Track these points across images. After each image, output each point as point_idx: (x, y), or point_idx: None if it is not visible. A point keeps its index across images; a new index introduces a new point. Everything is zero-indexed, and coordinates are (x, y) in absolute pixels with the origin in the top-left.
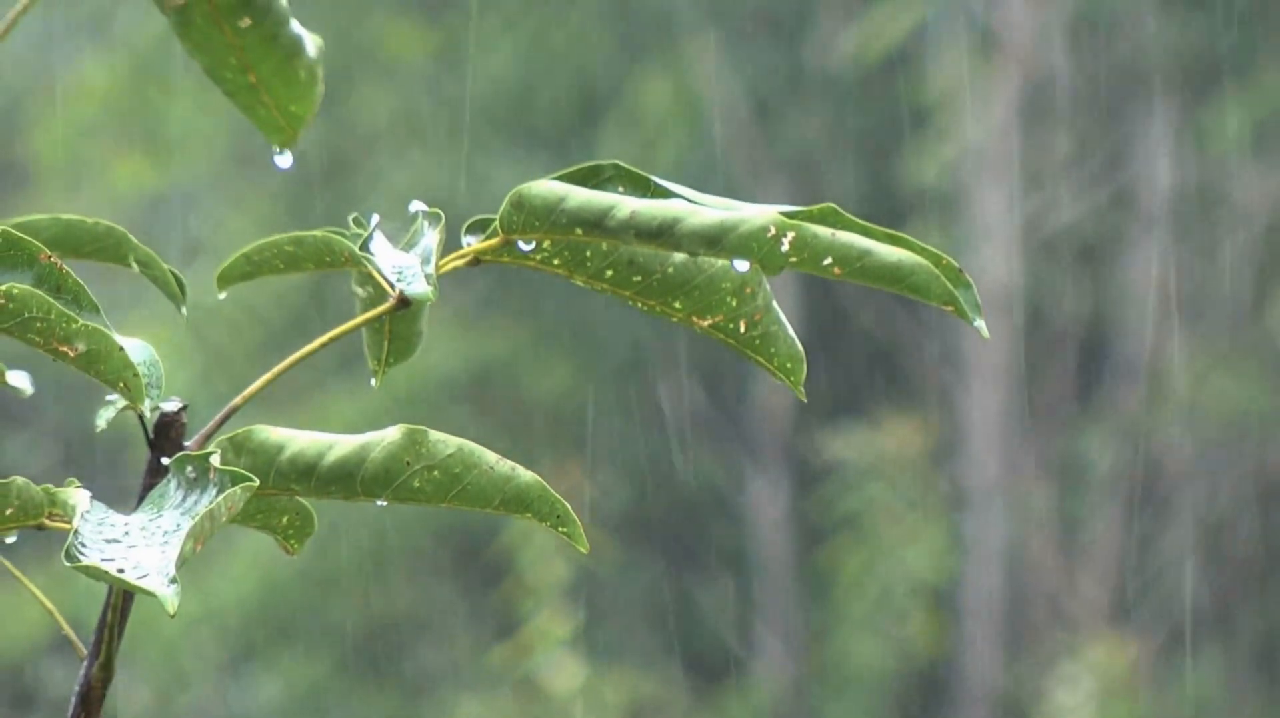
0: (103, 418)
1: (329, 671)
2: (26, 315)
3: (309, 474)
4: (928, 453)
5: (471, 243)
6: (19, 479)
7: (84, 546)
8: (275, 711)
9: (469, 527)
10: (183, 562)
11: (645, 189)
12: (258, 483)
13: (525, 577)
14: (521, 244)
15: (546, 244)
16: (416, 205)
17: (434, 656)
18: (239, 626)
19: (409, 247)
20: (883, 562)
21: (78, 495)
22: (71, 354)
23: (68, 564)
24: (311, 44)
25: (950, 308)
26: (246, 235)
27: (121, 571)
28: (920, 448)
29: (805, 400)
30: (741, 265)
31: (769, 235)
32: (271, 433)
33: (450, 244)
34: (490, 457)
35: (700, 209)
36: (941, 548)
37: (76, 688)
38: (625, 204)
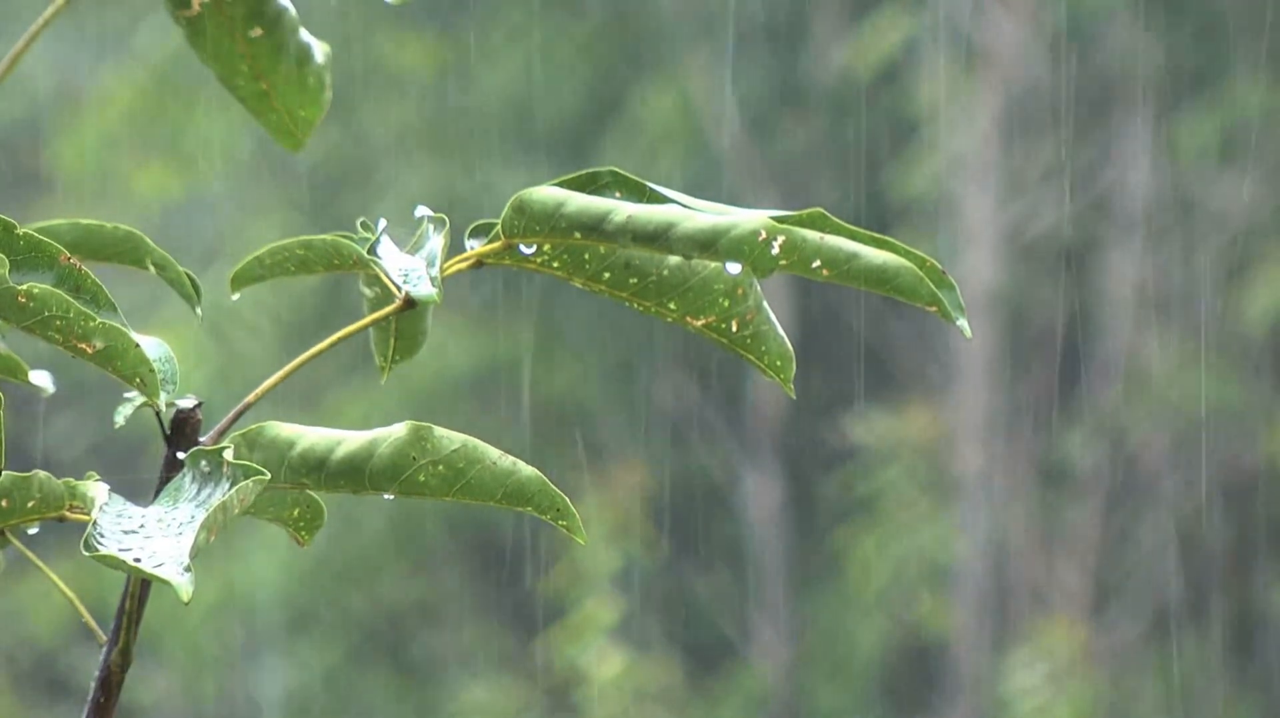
0: (121, 414)
1: (354, 658)
2: (46, 314)
3: (319, 468)
4: (915, 449)
5: (475, 246)
6: (40, 473)
7: (102, 536)
8: (299, 698)
9: (482, 519)
10: (197, 551)
11: (641, 195)
12: (269, 476)
13: (541, 569)
14: (523, 248)
15: (547, 248)
16: (422, 210)
17: (451, 643)
18: (258, 614)
19: (415, 250)
20: (874, 552)
21: (97, 488)
22: (90, 351)
23: (86, 554)
24: (320, 52)
25: (934, 308)
26: (262, 241)
27: (138, 560)
28: (908, 444)
29: (794, 397)
30: (734, 268)
31: (760, 239)
32: (283, 429)
33: (455, 248)
34: (493, 452)
35: (694, 214)
36: (930, 539)
37: (96, 674)
38: (622, 209)
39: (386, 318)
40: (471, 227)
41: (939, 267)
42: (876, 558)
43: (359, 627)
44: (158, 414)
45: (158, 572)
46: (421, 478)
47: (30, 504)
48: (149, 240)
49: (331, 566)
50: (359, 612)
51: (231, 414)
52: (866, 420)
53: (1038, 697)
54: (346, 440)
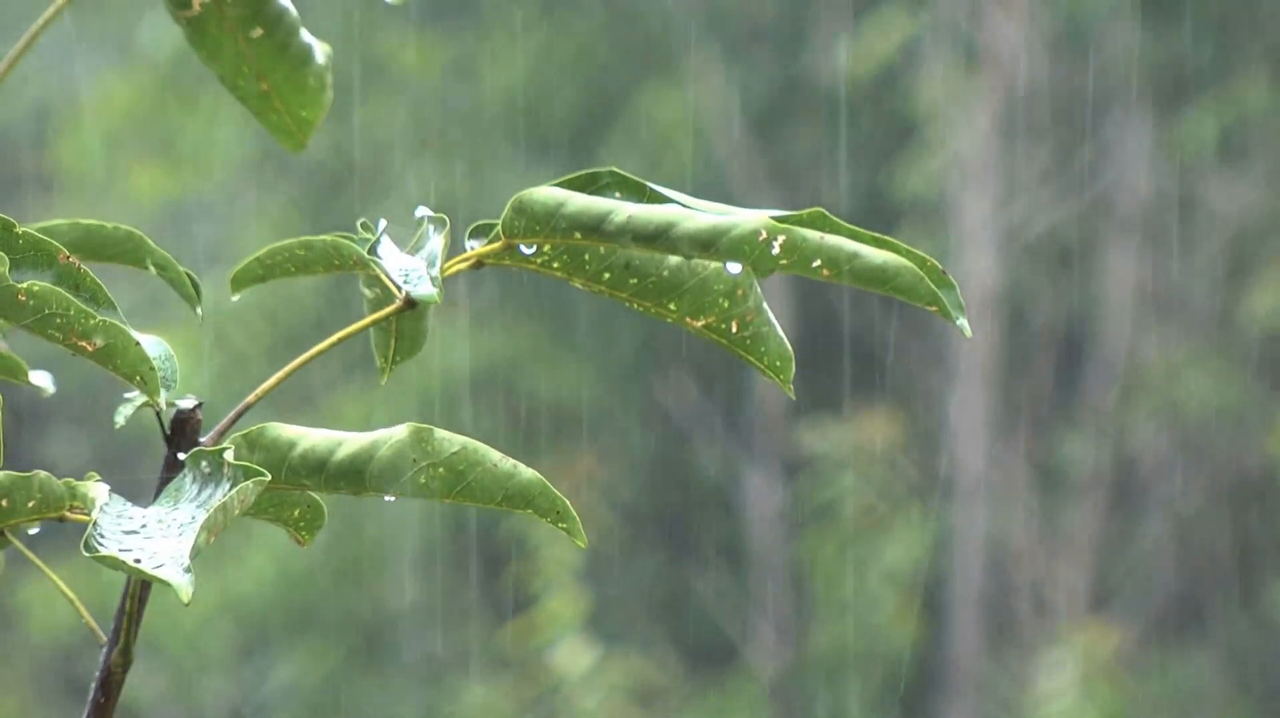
0: (121, 414)
1: (343, 657)
2: (46, 312)
3: (319, 470)
4: (915, 449)
5: (475, 247)
6: (41, 473)
7: (102, 537)
8: (290, 695)
9: (476, 516)
10: (197, 552)
11: (641, 195)
12: (269, 477)
13: (532, 563)
14: (523, 248)
15: (547, 248)
16: (422, 211)
17: (443, 642)
18: (256, 615)
19: (415, 250)
20: (874, 553)
21: (97, 489)
22: (90, 349)
23: (86, 554)
24: (320, 52)
25: (934, 308)
26: (264, 242)
27: (138, 561)
28: (908, 444)
29: (794, 398)
30: (734, 268)
31: (760, 239)
32: (284, 430)
33: (456, 249)
34: (493, 454)
35: (694, 214)
36: (929, 540)
37: (97, 674)
38: (622, 209)
39: (387, 318)
40: (472, 227)
41: (939, 266)
42: (873, 559)
43: (351, 628)
44: (158, 415)
45: (158, 573)
46: (422, 480)
47: (30, 504)
48: (149, 241)
49: (322, 566)
50: (350, 612)
51: (232, 415)
52: (860, 422)
53: (1037, 698)
54: (347, 442)
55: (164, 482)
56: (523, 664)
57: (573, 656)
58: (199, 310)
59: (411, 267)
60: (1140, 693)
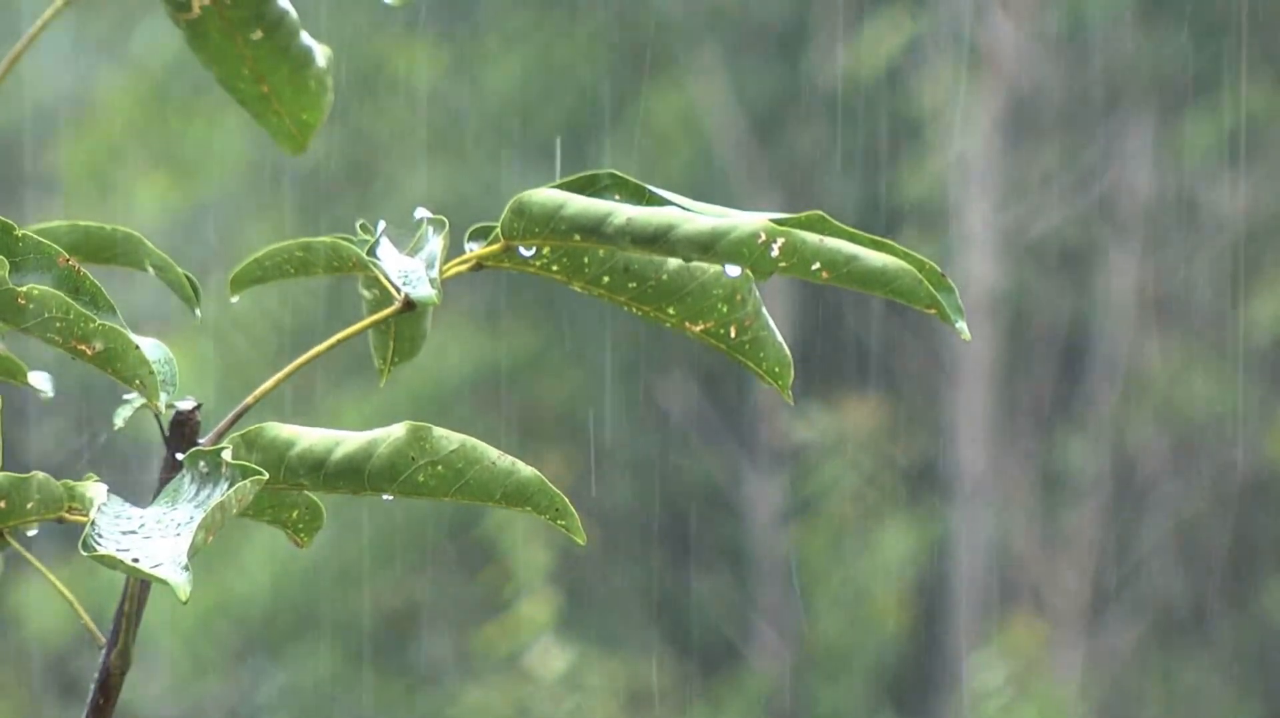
0: (120, 416)
1: (330, 660)
2: (46, 315)
3: (318, 469)
4: (916, 451)
5: (474, 249)
6: (39, 474)
7: (100, 536)
8: (277, 698)
9: (472, 517)
10: (195, 552)
11: (640, 197)
12: (268, 477)
13: (514, 565)
14: (522, 250)
15: (546, 250)
16: (421, 212)
17: (431, 644)
18: (251, 618)
19: (414, 252)
20: (874, 555)
21: (95, 489)
22: (89, 352)
23: (85, 554)
24: (321, 54)
25: (933, 311)
26: (264, 245)
27: (137, 560)
28: (908, 446)
29: (792, 403)
30: (733, 271)
31: (759, 241)
32: (282, 430)
33: (455, 250)
34: (492, 452)
35: (694, 216)
36: (930, 542)
37: (96, 676)
38: (622, 211)
39: (386, 320)
40: (471, 229)
41: (938, 269)
42: (874, 561)
43: (355, 629)
44: (157, 416)
45: (156, 572)
46: (420, 478)
47: (29, 505)
48: (148, 242)
49: (314, 567)
50: (354, 613)
51: (230, 416)
52: (859, 424)
53: (1034, 698)
54: (345, 441)
55: (163, 482)
56: (518, 666)
57: (551, 658)
58: (198, 312)
59: (410, 268)
60: (1140, 694)
